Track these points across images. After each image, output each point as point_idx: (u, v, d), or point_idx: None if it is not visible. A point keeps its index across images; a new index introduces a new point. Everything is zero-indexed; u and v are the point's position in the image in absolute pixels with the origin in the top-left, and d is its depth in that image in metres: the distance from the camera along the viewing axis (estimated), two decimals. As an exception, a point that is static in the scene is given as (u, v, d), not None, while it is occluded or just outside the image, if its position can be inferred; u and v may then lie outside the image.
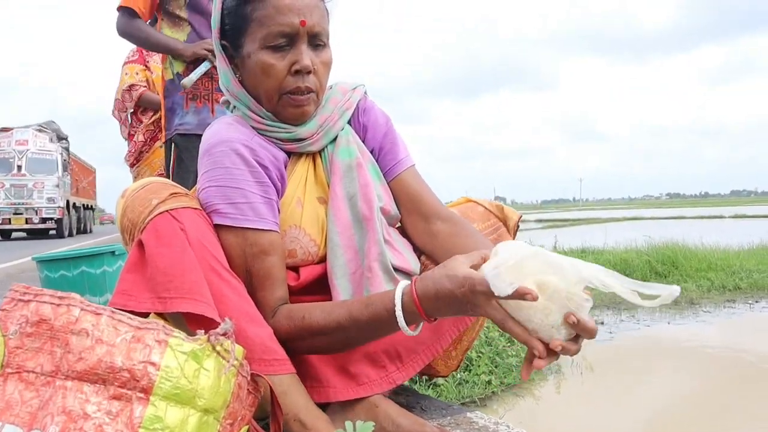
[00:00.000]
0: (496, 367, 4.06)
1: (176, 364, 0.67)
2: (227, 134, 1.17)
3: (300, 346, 1.12)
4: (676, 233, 9.85)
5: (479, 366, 3.95)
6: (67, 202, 17.87)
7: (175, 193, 1.11)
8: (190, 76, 2.32)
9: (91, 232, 21.97)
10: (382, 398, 1.23)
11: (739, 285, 6.90)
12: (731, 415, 3.42)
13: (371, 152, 1.33)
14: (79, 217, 19.77)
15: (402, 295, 1.00)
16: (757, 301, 6.35)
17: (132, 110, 3.84)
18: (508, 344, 4.37)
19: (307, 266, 1.26)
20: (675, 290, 0.83)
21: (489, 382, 3.59)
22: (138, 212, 1.07)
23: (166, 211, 1.07)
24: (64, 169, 17.78)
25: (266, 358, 1.04)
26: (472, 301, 0.92)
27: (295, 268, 1.25)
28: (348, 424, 0.72)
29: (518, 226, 1.43)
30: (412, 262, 1.30)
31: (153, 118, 3.79)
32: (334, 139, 1.29)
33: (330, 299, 1.24)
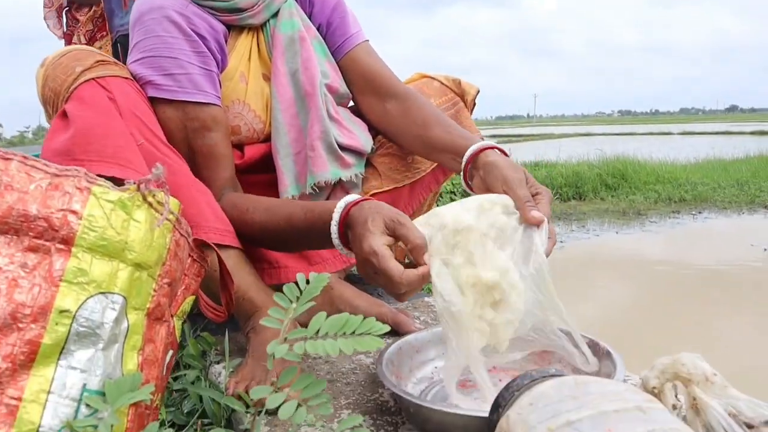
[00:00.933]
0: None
1: (101, 213, 0.58)
2: (159, 1, 1.05)
3: (243, 238, 1.04)
4: (627, 149, 10.09)
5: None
6: None
7: (103, 61, 0.98)
8: None
9: None
10: (338, 280, 1.19)
11: (684, 197, 7.15)
12: (668, 319, 3.60)
13: (318, 28, 1.24)
14: None
15: (344, 208, 0.84)
16: (700, 212, 6.60)
17: (66, 7, 3.48)
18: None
19: (252, 144, 1.18)
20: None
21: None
22: (60, 81, 0.95)
23: (93, 79, 0.95)
24: None
25: (219, 227, 0.97)
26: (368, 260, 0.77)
27: (239, 146, 1.18)
28: (299, 275, 0.66)
29: (475, 102, 1.37)
30: (362, 141, 1.23)
31: (89, 15, 3.46)
32: (277, 14, 1.18)
33: (275, 179, 1.17)
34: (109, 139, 0.89)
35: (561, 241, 5.21)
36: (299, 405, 0.59)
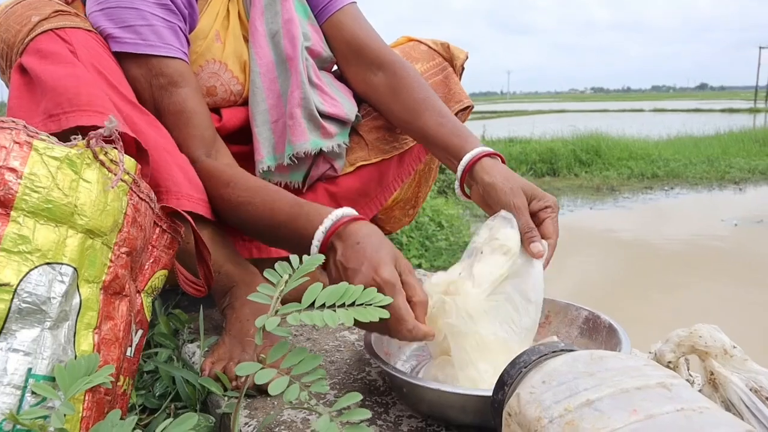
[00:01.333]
0: (426, 250, 4.10)
1: (45, 172, 0.50)
2: None
3: (216, 213, 0.95)
4: (600, 125, 10.18)
5: (409, 249, 3.98)
6: None
7: (62, 11, 0.89)
8: None
9: None
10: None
11: (656, 173, 7.24)
12: (644, 292, 3.62)
13: None
14: None
15: (339, 218, 0.77)
16: (672, 188, 6.68)
17: None
18: (438, 229, 4.41)
19: (230, 108, 1.10)
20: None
21: (419, 265, 3.63)
22: (14, 31, 0.86)
23: (51, 29, 0.86)
24: None
25: (193, 194, 0.88)
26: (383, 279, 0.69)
27: (217, 110, 1.08)
28: (293, 257, 0.59)
29: (464, 67, 1.29)
30: (346, 109, 1.15)
31: None
32: None
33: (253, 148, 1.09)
34: (82, 88, 0.80)
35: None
36: (291, 381, 0.52)
